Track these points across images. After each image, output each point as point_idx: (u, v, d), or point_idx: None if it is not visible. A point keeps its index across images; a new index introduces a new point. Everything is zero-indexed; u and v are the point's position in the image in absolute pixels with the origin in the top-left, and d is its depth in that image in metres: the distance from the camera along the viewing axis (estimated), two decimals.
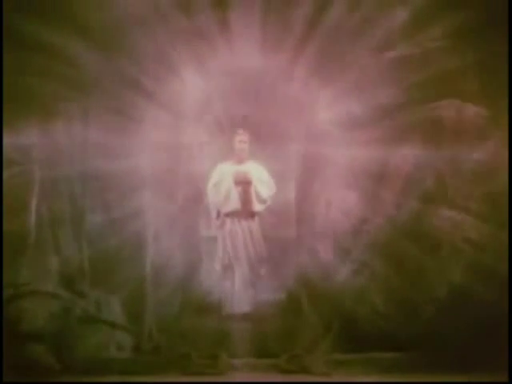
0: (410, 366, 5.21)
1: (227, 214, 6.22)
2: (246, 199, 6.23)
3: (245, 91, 6.36)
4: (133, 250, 5.81)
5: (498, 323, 5.12)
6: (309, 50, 5.95)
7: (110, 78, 5.94)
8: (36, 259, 5.61)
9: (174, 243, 6.06)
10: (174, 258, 5.97)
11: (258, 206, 6.25)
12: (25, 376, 5.07)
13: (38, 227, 5.64)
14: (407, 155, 5.70)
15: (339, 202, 5.85)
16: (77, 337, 5.51)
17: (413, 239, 5.52)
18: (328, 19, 5.83)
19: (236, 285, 6.07)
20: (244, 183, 6.24)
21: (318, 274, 5.74)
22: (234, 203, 6.21)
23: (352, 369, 5.29)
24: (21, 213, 5.60)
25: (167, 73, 6.10)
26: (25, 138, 5.72)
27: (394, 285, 5.54)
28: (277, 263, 6.18)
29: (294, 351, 5.44)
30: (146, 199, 5.93)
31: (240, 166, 6.34)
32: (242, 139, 6.32)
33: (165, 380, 5.17)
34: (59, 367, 5.34)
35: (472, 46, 5.72)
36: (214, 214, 6.29)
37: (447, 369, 5.09)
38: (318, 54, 5.95)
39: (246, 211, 6.23)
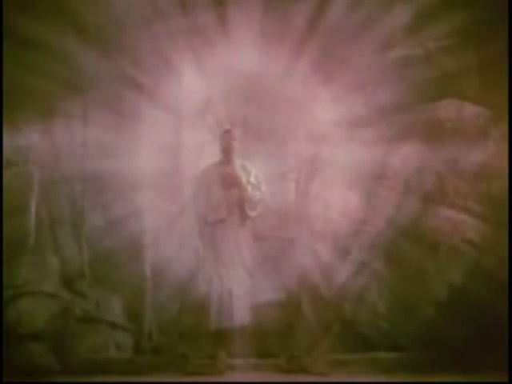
0: (410, 366, 5.21)
1: (214, 223, 5.85)
2: (234, 206, 5.88)
3: (244, 91, 6.34)
4: (133, 250, 5.80)
5: (498, 323, 5.12)
6: (309, 50, 5.93)
7: (109, 77, 5.93)
8: (36, 259, 5.62)
9: (173, 243, 6.07)
10: (173, 258, 5.97)
11: (248, 212, 5.90)
12: (25, 376, 5.08)
13: (37, 227, 5.64)
14: (407, 155, 5.70)
15: (339, 202, 5.83)
16: (77, 337, 5.51)
17: (413, 239, 5.52)
18: (328, 18, 5.82)
19: (225, 297, 5.72)
20: (233, 188, 5.90)
21: (317, 274, 5.74)
22: (221, 211, 5.83)
23: (352, 369, 5.29)
24: (20, 213, 5.60)
25: (166, 72, 6.09)
26: (24, 138, 5.72)
27: (393, 285, 5.55)
28: (277, 263, 6.18)
29: (293, 351, 5.43)
30: (145, 199, 5.93)
31: (228, 166, 5.99)
32: (231, 136, 6.00)
33: (164, 380, 5.17)
34: (59, 367, 5.36)
35: (472, 46, 5.73)
36: (200, 222, 5.91)
37: (447, 369, 5.10)
38: (318, 54, 5.94)
39: (234, 218, 5.88)
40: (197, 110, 6.48)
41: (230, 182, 5.91)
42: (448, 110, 5.70)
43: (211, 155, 6.43)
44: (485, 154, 5.61)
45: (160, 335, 5.78)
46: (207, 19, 6.02)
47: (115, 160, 5.75)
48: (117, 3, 5.88)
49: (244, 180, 5.95)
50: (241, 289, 5.78)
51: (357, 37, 5.88)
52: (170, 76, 6.16)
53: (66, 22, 5.80)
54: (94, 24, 5.90)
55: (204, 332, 5.65)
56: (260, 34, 6.00)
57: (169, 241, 6.05)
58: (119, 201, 5.78)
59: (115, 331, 5.66)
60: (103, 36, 5.92)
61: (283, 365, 5.37)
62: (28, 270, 5.57)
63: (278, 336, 5.69)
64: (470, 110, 5.69)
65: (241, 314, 5.71)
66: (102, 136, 5.77)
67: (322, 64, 5.98)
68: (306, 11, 5.89)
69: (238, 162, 6.05)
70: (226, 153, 6.02)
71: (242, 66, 6.22)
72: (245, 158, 6.18)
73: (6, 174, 5.57)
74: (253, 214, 5.95)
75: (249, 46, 6.06)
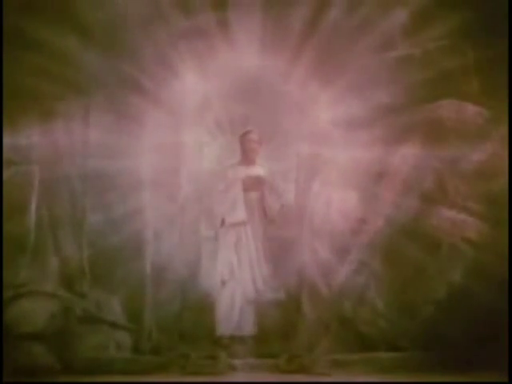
0: (409, 366, 5.20)
1: (232, 225, 5.84)
2: (255, 208, 5.90)
3: (245, 91, 6.34)
4: (133, 250, 5.79)
5: (498, 323, 5.11)
6: (309, 50, 5.94)
7: (110, 78, 5.94)
8: (36, 259, 5.62)
9: (174, 243, 6.06)
10: (173, 257, 5.97)
11: (270, 216, 5.93)
12: (25, 376, 5.08)
13: (37, 227, 5.65)
14: (407, 155, 5.69)
15: (339, 202, 5.82)
16: (77, 336, 5.52)
17: (412, 239, 5.50)
18: (328, 19, 5.83)
19: (237, 303, 5.68)
20: (254, 190, 5.93)
21: (317, 273, 5.73)
22: (241, 214, 5.81)
23: (352, 368, 5.28)
24: (21, 213, 5.61)
25: (167, 73, 6.10)
26: (25, 138, 5.74)
27: (393, 284, 5.54)
28: (277, 263, 6.16)
29: (293, 351, 5.42)
30: (145, 199, 5.91)
31: (249, 168, 6.05)
32: (252, 138, 6.08)
33: (164, 380, 5.17)
34: (59, 367, 5.36)
35: (472, 46, 5.72)
36: (217, 222, 5.89)
37: (447, 369, 5.07)
38: (318, 54, 5.94)
39: (255, 221, 5.87)
40: (197, 111, 6.49)
41: (252, 184, 5.92)
42: (448, 110, 5.69)
43: (211, 155, 6.47)
44: (485, 153, 5.60)
45: (160, 335, 5.77)
46: (208, 22, 6.04)
47: (116, 160, 5.76)
48: (119, 5, 5.90)
49: (266, 183, 5.98)
50: (254, 295, 5.75)
51: (356, 38, 5.88)
52: (171, 77, 6.17)
53: (68, 24, 5.81)
54: (96, 25, 5.92)
55: (204, 332, 5.65)
56: (260, 37, 6.02)
57: (169, 240, 6.05)
58: (119, 200, 5.79)
59: (115, 331, 5.65)
60: (105, 37, 5.93)
61: (283, 365, 5.35)
62: (28, 269, 5.58)
63: (278, 336, 5.67)
64: (470, 110, 5.68)
65: (250, 322, 5.70)
66: (102, 136, 5.79)
67: (321, 65, 5.98)
68: (305, 14, 5.90)
69: (259, 164, 6.08)
70: (247, 155, 6.05)
71: (242, 68, 6.24)
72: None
73: (6, 173, 5.58)
74: (274, 217, 5.97)
75: (249, 48, 6.07)
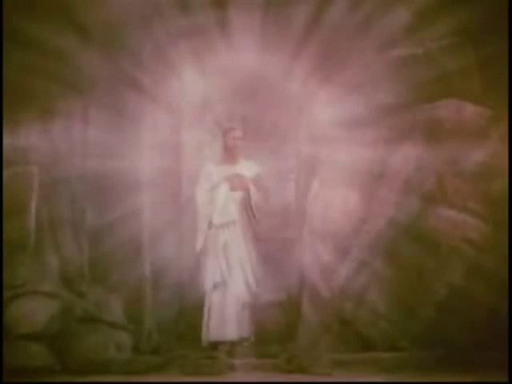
0: (410, 366, 5.19)
1: (221, 226, 5.68)
2: (241, 208, 5.73)
3: (244, 91, 6.35)
4: (132, 250, 5.81)
5: (498, 323, 5.12)
6: (309, 49, 5.93)
7: (109, 77, 5.94)
8: (36, 259, 5.63)
9: (173, 243, 6.07)
10: (173, 258, 5.98)
11: (256, 214, 5.75)
12: (25, 376, 5.07)
13: (37, 228, 5.66)
14: (407, 155, 5.68)
15: (339, 202, 5.82)
16: (77, 337, 5.52)
17: (413, 239, 5.49)
18: (328, 18, 5.81)
19: (230, 306, 5.55)
20: (239, 189, 5.74)
21: (317, 274, 5.73)
22: (231, 214, 5.66)
23: (352, 369, 5.27)
24: (20, 213, 5.61)
25: (167, 72, 6.11)
26: (24, 138, 5.74)
27: (393, 285, 5.54)
28: (277, 263, 6.17)
29: (293, 351, 5.41)
30: (145, 199, 5.93)
31: (233, 166, 5.83)
32: (235, 135, 5.82)
33: (164, 380, 5.17)
34: (59, 367, 5.36)
35: (473, 46, 5.70)
36: (204, 225, 5.69)
37: (447, 369, 5.07)
38: (318, 54, 5.93)
39: (242, 221, 5.71)
40: (197, 110, 6.49)
41: (237, 183, 5.75)
42: (448, 109, 5.67)
43: (211, 155, 6.46)
44: (485, 153, 5.59)
45: (160, 335, 5.79)
46: (207, 19, 6.02)
47: (115, 160, 5.75)
48: (117, 3, 5.88)
49: (251, 181, 5.80)
50: (248, 297, 5.65)
51: (357, 37, 5.86)
52: (170, 76, 6.17)
53: (66, 22, 5.80)
54: (95, 24, 5.91)
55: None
56: (260, 34, 6.00)
57: (168, 241, 6.06)
58: (119, 201, 5.79)
59: (115, 331, 5.66)
60: (103, 36, 5.93)
61: (283, 365, 5.34)
62: (28, 269, 5.58)
63: (278, 336, 5.69)
64: (470, 110, 5.66)
65: (244, 325, 5.62)
66: (101, 136, 5.78)
67: (321, 64, 5.97)
68: (305, 12, 5.88)
69: (242, 162, 5.91)
70: (230, 152, 5.85)
71: (241, 66, 6.24)
72: (244, 157, 6.14)
73: (5, 174, 5.59)
74: (257, 217, 5.80)
75: (249, 46, 6.06)
